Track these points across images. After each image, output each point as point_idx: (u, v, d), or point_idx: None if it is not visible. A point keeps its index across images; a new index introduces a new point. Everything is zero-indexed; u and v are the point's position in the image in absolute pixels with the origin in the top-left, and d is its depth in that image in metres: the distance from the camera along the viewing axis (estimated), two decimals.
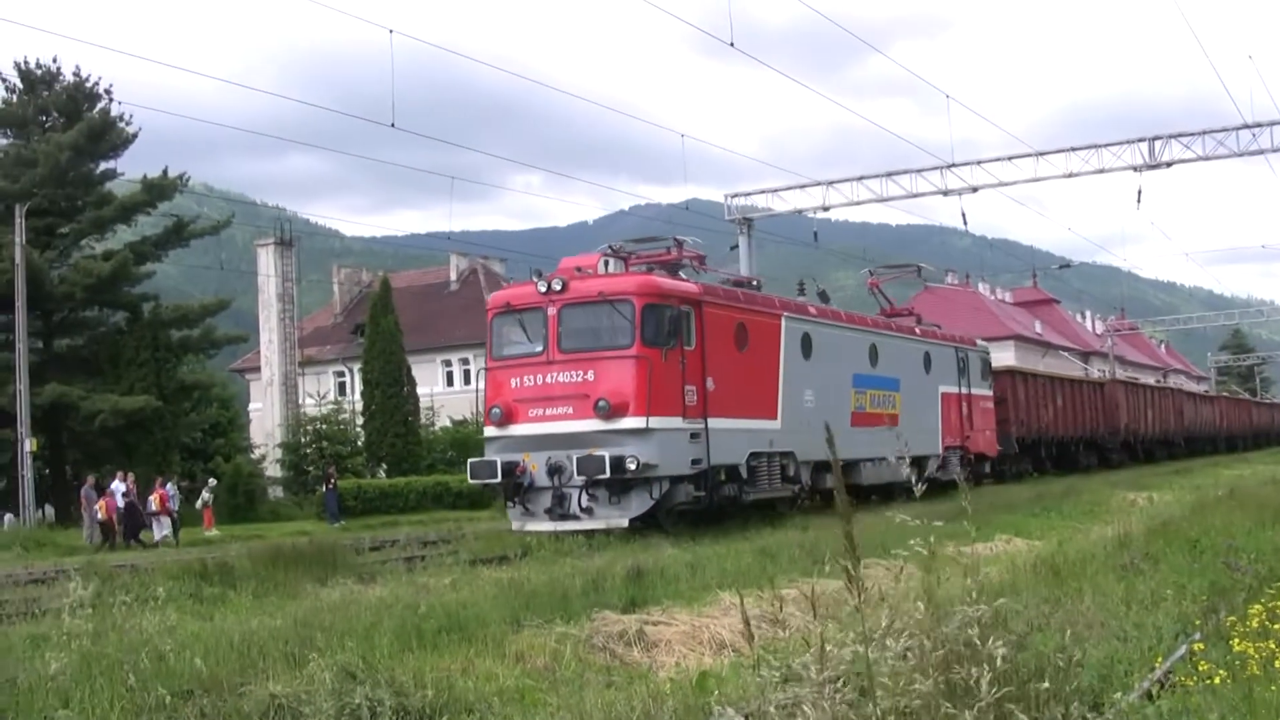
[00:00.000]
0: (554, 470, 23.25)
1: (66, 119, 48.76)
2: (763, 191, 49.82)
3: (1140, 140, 42.83)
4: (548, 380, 23.81)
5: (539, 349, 24.12)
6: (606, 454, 22.41)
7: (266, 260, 59.41)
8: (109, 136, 49.17)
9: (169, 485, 36.71)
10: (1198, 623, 9.73)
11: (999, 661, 5.64)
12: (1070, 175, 43.76)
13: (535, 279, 24.57)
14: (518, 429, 24.02)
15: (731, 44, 32.26)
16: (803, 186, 48.52)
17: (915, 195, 46.30)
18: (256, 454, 58.28)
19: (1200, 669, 7.66)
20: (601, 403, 22.98)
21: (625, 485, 23.09)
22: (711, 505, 25.10)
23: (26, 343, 41.19)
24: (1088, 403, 56.16)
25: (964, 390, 38.74)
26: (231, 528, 39.11)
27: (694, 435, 24.22)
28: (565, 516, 23.17)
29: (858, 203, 48.29)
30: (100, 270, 46.57)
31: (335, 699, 8.09)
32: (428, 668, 9.41)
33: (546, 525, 23.14)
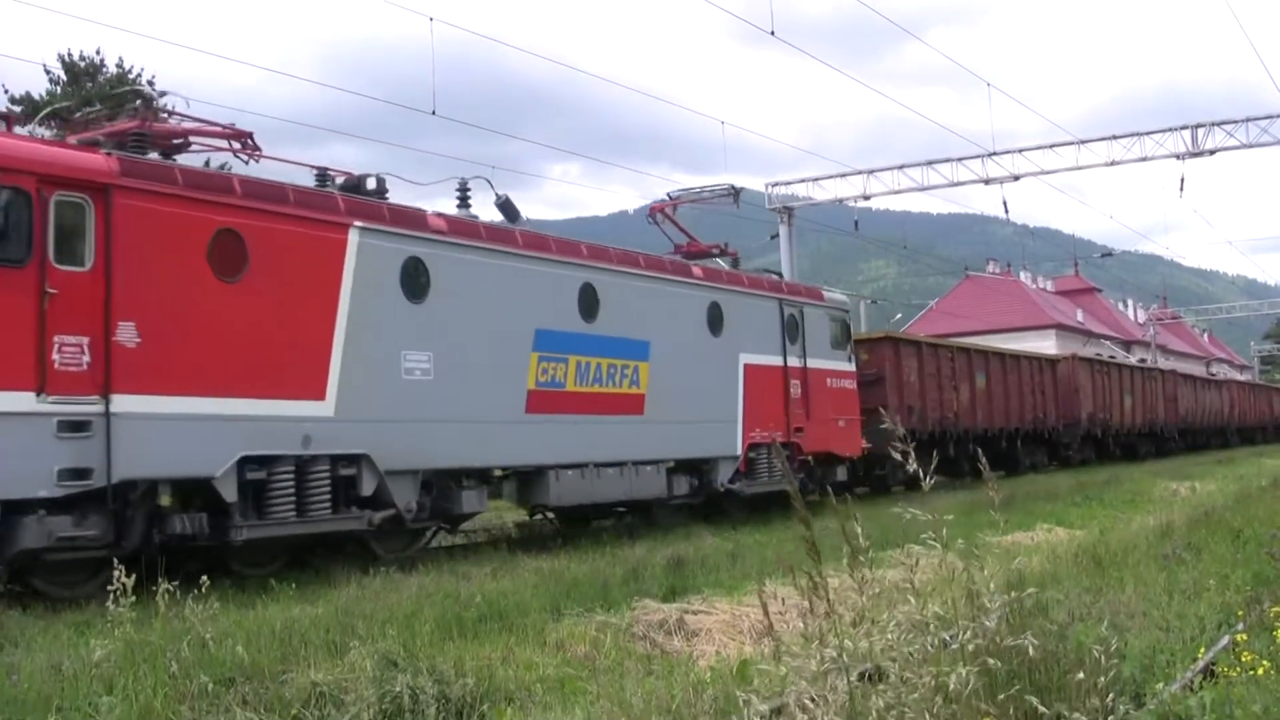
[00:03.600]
0: None
1: (110, 110, 49.14)
2: (803, 180, 49.73)
3: (1183, 128, 42.54)
4: None
5: None
6: None
7: None
8: None
9: None
10: (1241, 613, 9.68)
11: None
12: (1112, 163, 43.51)
13: None
14: None
15: (772, 32, 32.06)
16: (843, 175, 48.41)
17: (956, 184, 46.09)
18: None
19: (1243, 660, 7.62)
20: None
21: None
22: (142, 550, 13.91)
23: None
24: (1030, 386, 44.62)
25: (793, 362, 26.68)
26: None
27: (70, 425, 13.35)
28: None
29: (898, 191, 48.12)
30: None
31: (376, 686, 8.14)
32: (468, 656, 9.46)
33: None
